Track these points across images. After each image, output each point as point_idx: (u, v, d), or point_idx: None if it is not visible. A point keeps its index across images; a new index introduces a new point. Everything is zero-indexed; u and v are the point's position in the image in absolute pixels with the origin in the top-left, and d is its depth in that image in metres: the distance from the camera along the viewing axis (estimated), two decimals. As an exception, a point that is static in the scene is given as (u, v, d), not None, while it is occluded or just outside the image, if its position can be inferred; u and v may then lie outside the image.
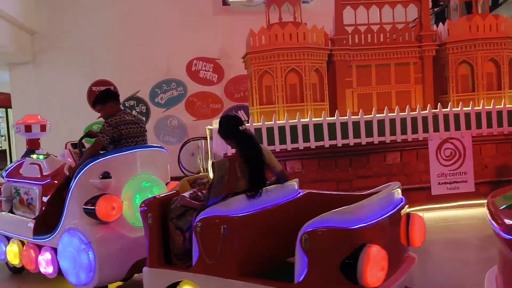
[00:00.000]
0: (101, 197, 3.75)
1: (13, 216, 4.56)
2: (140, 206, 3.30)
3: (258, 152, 3.15)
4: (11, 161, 18.54)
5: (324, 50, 7.00)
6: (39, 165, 4.46)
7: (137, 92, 10.62)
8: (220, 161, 3.14)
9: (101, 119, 4.99)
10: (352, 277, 2.32)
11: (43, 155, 4.70)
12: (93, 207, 3.71)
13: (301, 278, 2.46)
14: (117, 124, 4.22)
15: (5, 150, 18.13)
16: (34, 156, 4.81)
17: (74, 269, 3.77)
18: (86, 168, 3.90)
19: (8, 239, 4.61)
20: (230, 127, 3.20)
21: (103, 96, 4.49)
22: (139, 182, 4.06)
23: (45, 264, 4.12)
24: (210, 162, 8.76)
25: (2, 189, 4.69)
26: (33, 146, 5.07)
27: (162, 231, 3.23)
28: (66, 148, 4.57)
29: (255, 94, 7.19)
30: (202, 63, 10.76)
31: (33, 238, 4.20)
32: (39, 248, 4.20)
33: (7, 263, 4.70)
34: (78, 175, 3.90)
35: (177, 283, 3.03)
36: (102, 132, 4.18)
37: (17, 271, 4.69)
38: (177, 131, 10.78)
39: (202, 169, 10.07)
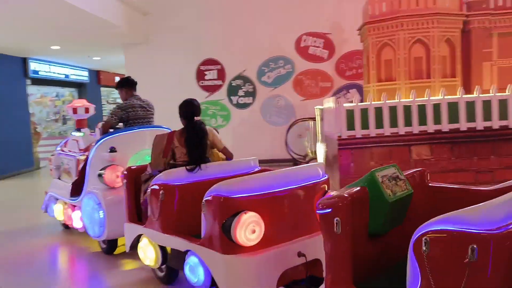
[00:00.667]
0: (108, 167, 4.62)
1: (59, 182, 5.64)
2: (121, 173, 4.23)
3: (202, 131, 3.81)
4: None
5: (458, 16, 5.94)
6: (77, 141, 5.40)
7: (244, 71, 10.31)
8: (159, 135, 3.95)
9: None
10: None
11: (83, 133, 5.54)
12: (102, 175, 4.62)
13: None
14: (126, 107, 5.05)
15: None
16: (76, 133, 5.67)
17: (91, 224, 4.69)
18: (98, 143, 4.77)
19: (56, 199, 5.61)
20: (187, 111, 3.97)
21: (120, 83, 5.34)
22: (143, 156, 4.72)
23: (76, 220, 5.05)
24: (318, 144, 8.14)
25: (53, 159, 5.81)
26: (79, 125, 5.95)
27: (136, 194, 4.03)
28: (97, 127, 5.22)
29: (372, 69, 6.41)
30: (312, 39, 10.09)
31: (69, 199, 5.13)
32: (74, 207, 5.11)
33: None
34: (93, 149, 4.79)
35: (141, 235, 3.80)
36: (113, 114, 5.02)
37: (66, 227, 5.69)
38: (284, 111, 10.30)
39: (309, 152, 9.50)
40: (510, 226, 1.68)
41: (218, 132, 4.18)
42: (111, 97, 19.11)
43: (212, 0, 10.20)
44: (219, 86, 10.42)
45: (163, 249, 3.62)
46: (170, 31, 10.35)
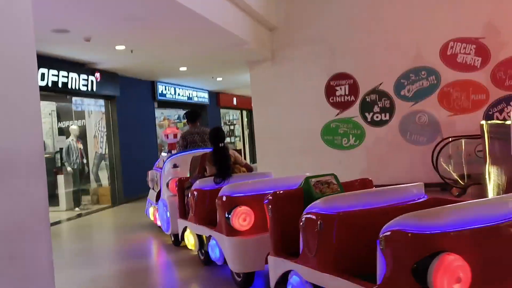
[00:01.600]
0: (172, 179, 6.02)
1: (152, 191, 7.34)
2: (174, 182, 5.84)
3: (225, 153, 4.94)
4: (244, 159, 19.65)
5: None
6: (163, 160, 6.77)
7: (380, 84, 9.28)
8: (195, 157, 5.56)
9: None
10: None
11: (165, 153, 7.57)
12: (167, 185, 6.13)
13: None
14: (185, 135, 6.83)
15: (240, 149, 19.25)
16: (164, 154, 7.63)
17: (163, 222, 6.26)
18: (166, 161, 6.42)
19: (151, 204, 7.25)
20: (214, 139, 4.99)
21: (187, 117, 7.16)
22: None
23: (157, 220, 6.72)
24: (486, 167, 6.78)
25: (149, 174, 7.54)
26: (171, 147, 7.67)
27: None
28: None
29: None
30: (461, 45, 8.75)
31: (154, 204, 6.84)
32: (157, 210, 6.62)
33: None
34: (164, 166, 6.41)
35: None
36: (179, 141, 6.97)
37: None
38: (427, 128, 9.03)
39: (457, 177, 8.14)
40: (347, 210, 2.86)
41: (239, 152, 5.83)
42: (227, 119, 19.17)
43: (346, 10, 9.40)
44: (352, 102, 9.49)
45: (199, 237, 4.85)
46: (297, 46, 9.73)
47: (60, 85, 8.33)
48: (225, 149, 4.93)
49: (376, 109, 9.35)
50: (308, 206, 3.05)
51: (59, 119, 10.78)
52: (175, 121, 15.63)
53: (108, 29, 6.87)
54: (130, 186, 10.63)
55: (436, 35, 8.85)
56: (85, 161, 10.48)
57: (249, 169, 5.19)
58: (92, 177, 10.85)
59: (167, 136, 7.79)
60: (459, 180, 8.18)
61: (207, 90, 15.45)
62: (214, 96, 16.30)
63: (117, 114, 10.32)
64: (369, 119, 9.40)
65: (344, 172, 9.95)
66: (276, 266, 3.34)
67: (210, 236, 4.37)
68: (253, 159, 20.14)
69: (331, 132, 9.60)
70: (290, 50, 9.80)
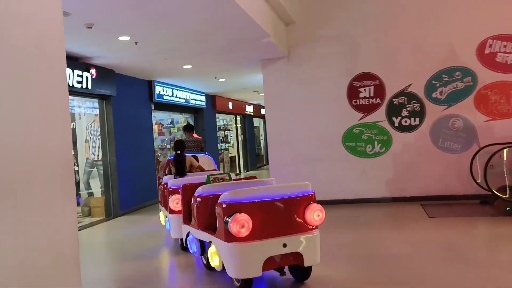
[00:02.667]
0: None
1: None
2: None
3: (182, 159, 6.87)
4: (238, 166, 18.67)
5: None
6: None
7: (409, 86, 8.43)
8: (163, 160, 8.02)
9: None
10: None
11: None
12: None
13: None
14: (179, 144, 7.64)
15: (234, 156, 18.24)
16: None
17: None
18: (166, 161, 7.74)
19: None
20: (176, 148, 7.05)
21: (183, 128, 9.78)
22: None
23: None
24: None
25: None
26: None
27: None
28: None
29: None
30: (501, 43, 7.99)
31: (162, 209, 7.23)
32: None
33: None
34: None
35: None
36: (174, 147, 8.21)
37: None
38: (462, 134, 8.20)
39: (508, 188, 7.32)
40: (211, 195, 4.64)
41: (197, 158, 7.33)
42: (221, 124, 18.11)
43: (371, 3, 8.54)
44: (377, 105, 8.61)
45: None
46: (317, 42, 8.81)
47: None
48: (182, 156, 6.93)
49: (404, 112, 8.48)
50: (195, 191, 4.91)
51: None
52: (168, 125, 14.50)
53: (114, 16, 5.81)
54: (127, 196, 9.50)
55: (472, 32, 8.07)
56: (76, 168, 9.30)
57: (202, 170, 7.14)
58: (82, 186, 9.67)
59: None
60: (498, 193, 7.34)
61: (204, 93, 14.41)
62: (210, 99, 15.26)
63: (113, 116, 9.19)
64: (396, 124, 8.52)
65: (368, 183, 9.08)
66: (184, 229, 5.42)
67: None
68: (247, 167, 19.17)
69: (353, 138, 8.69)
70: (309, 47, 8.88)
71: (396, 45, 8.45)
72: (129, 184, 9.62)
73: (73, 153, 9.14)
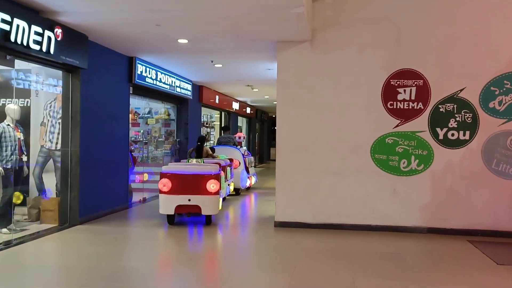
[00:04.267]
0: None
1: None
2: None
3: (200, 148, 9.45)
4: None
5: None
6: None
7: (461, 90, 6.75)
8: (190, 150, 10.28)
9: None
10: None
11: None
12: None
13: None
14: (220, 139, 12.33)
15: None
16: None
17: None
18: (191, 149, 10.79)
19: None
20: (197, 142, 9.69)
21: (223, 128, 14.37)
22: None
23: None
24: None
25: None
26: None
27: None
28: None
29: None
30: None
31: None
32: None
33: None
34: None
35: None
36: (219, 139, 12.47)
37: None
38: (523, 157, 6.58)
39: None
40: (175, 173, 7.15)
41: (212, 149, 10.10)
42: (204, 120, 16.09)
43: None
44: (419, 111, 6.90)
45: None
46: (348, 26, 7.04)
47: (-4, 33, 5.13)
48: (201, 146, 9.54)
49: (452, 123, 6.81)
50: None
51: (-9, 93, 7.35)
52: (145, 115, 12.39)
53: None
54: (90, 199, 7.43)
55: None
56: (25, 158, 7.15)
57: (213, 157, 9.76)
58: (32, 181, 7.53)
59: (240, 137, 13.73)
60: None
61: (191, 82, 12.42)
62: (197, 90, 13.28)
63: (80, 94, 7.12)
64: (441, 137, 6.83)
65: (400, 207, 6.81)
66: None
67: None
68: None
69: (386, 149, 6.95)
70: (338, 31, 7.08)
71: (449, 38, 6.77)
72: (94, 183, 7.55)
73: (22, 137, 7.02)
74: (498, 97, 6.67)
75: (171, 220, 7.25)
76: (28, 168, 7.36)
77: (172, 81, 10.89)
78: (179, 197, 7.01)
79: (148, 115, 12.56)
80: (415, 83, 6.89)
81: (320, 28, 7.11)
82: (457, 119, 6.78)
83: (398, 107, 6.94)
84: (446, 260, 5.51)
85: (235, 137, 12.72)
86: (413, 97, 6.90)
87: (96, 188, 7.62)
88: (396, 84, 6.94)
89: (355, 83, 7.04)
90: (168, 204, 7.04)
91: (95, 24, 6.48)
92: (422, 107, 6.87)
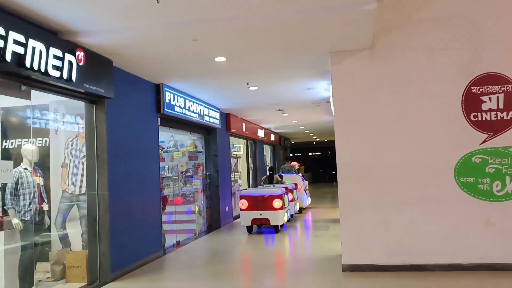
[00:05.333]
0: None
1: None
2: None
3: (272, 176, 12.42)
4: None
5: None
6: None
7: (560, 94, 5.60)
8: (264, 177, 13.47)
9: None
10: None
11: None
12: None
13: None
14: (283, 167, 16.00)
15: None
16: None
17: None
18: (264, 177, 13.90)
19: None
20: (268, 170, 13.57)
21: (287, 158, 20.02)
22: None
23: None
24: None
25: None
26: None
27: None
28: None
29: None
30: None
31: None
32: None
33: None
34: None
35: None
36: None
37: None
38: None
39: None
40: (250, 195, 10.02)
41: (280, 177, 12.68)
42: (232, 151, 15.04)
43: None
44: (510, 122, 5.75)
45: None
46: (416, 28, 6.00)
47: (10, 57, 4.16)
48: (272, 175, 12.28)
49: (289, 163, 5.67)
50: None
51: (3, 133, 6.36)
52: (170, 149, 11.39)
53: None
54: (123, 250, 6.33)
55: None
56: (45, 206, 6.12)
57: (282, 182, 12.25)
58: (54, 232, 6.48)
59: (297, 166, 16.81)
60: None
61: (219, 109, 11.45)
62: (224, 118, 12.29)
63: (106, 128, 6.12)
64: (541, 151, 5.66)
65: (497, 238, 5.33)
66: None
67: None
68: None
69: (472, 170, 5.78)
70: (401, 34, 6.04)
71: (539, 33, 5.69)
72: (126, 231, 6.47)
73: (42, 183, 6.01)
74: None
75: (249, 230, 9.85)
76: (50, 217, 6.31)
77: (200, 109, 9.91)
78: (253, 212, 9.55)
79: (174, 148, 11.57)
80: (502, 89, 5.77)
81: (380, 33, 6.08)
82: (558, 129, 5.61)
83: (484, 118, 5.81)
84: None
85: (293, 165, 16.05)
86: (501, 106, 5.77)
87: (129, 237, 6.53)
88: (479, 92, 5.83)
89: (428, 93, 5.94)
90: (246, 218, 9.61)
91: (122, 45, 5.52)
92: (514, 117, 5.73)
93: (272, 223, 9.51)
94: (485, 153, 5.78)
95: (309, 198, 14.94)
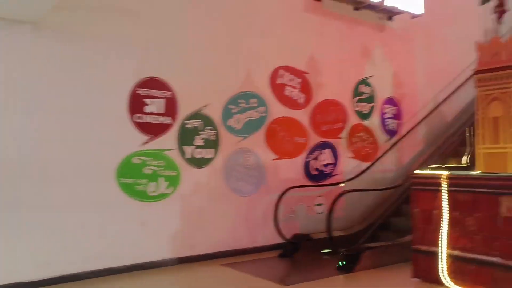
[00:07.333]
0: None
1: None
2: None
3: None
4: None
5: None
6: None
7: (204, 106, 6.41)
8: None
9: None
10: None
11: None
12: None
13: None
14: None
15: None
16: None
17: None
18: None
19: None
20: None
21: None
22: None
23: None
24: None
25: None
26: None
27: None
28: None
29: (479, 128, 4.98)
30: (289, 76, 7.33)
31: None
32: None
33: None
34: None
35: None
36: None
37: None
38: (254, 173, 6.89)
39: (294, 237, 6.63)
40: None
41: None
42: None
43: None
44: (167, 127, 6.06)
45: None
46: (93, 12, 5.42)
47: None
48: None
49: (198, 141, 6.36)
50: None
51: None
52: None
53: None
54: None
55: (267, 56, 7.06)
56: None
57: None
58: None
59: None
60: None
61: None
62: None
63: None
64: (188, 155, 6.24)
65: (148, 237, 5.84)
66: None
67: None
68: None
69: (132, 171, 5.74)
70: (79, 16, 5.30)
71: (194, 45, 6.30)
72: None
73: None
74: (235, 115, 6.70)
75: None
76: None
77: None
78: None
79: None
80: (164, 95, 6.03)
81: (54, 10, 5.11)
82: (203, 136, 6.38)
83: (145, 120, 5.87)
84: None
85: None
86: (162, 110, 6.01)
87: None
88: (144, 94, 5.86)
89: (97, 89, 5.46)
90: None
91: None
92: (171, 122, 6.08)
93: None
94: (145, 154, 5.84)
95: None
